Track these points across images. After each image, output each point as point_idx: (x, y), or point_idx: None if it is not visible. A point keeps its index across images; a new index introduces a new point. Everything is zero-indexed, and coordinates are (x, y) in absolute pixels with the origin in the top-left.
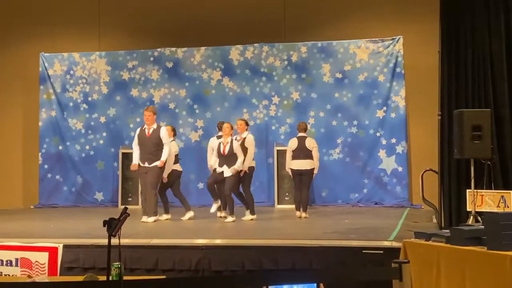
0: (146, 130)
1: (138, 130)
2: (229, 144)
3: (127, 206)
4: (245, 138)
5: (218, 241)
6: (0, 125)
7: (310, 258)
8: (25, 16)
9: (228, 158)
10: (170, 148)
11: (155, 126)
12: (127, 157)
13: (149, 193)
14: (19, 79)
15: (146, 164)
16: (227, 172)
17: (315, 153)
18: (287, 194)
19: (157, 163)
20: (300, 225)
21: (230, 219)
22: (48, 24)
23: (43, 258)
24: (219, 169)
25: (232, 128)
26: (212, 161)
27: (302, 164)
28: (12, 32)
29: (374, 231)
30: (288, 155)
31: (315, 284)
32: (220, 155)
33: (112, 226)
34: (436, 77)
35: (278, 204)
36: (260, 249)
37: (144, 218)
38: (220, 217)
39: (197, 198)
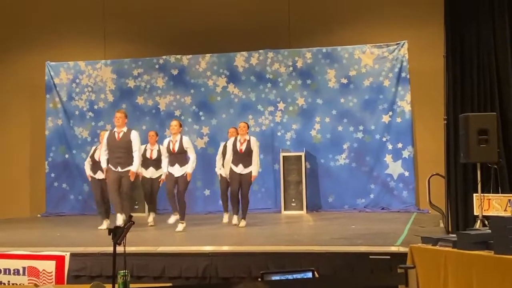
0: (116, 134)
1: (106, 134)
2: (246, 142)
3: (131, 214)
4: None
5: (225, 248)
6: (7, 134)
7: (317, 264)
8: (30, 25)
9: (244, 157)
10: (140, 155)
11: (125, 129)
12: None
13: (128, 195)
14: (25, 88)
15: (119, 169)
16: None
17: None
18: (293, 200)
19: (132, 168)
20: (307, 231)
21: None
22: (54, 33)
23: (50, 266)
24: (236, 168)
25: (248, 127)
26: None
27: None
28: (18, 41)
29: (381, 236)
30: None
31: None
32: (236, 153)
33: (117, 234)
34: (442, 81)
35: (284, 210)
36: (267, 256)
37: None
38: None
39: (204, 205)
